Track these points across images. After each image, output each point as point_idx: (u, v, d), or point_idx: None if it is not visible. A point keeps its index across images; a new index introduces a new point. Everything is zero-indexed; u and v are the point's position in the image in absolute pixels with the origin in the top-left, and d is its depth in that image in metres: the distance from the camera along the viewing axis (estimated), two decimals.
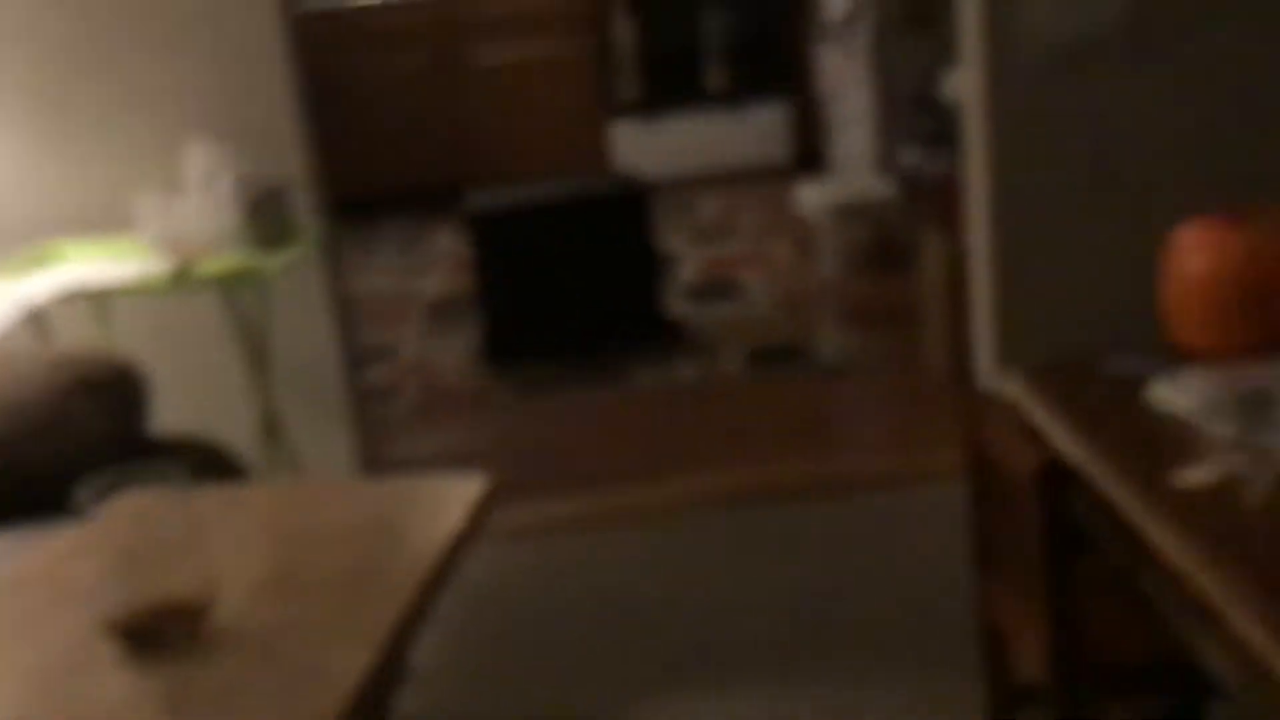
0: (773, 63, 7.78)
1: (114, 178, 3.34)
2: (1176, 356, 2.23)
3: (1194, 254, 2.26)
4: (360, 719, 1.53)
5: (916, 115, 5.67)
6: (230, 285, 3.08)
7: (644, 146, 7.61)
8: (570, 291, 5.12)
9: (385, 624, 1.43)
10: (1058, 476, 2.11)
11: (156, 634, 1.48)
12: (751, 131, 7.75)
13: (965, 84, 3.33)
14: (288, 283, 3.39)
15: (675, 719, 2.76)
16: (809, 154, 7.50)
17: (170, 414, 3.02)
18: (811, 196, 6.00)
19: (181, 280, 2.97)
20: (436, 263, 6.68)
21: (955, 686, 2.68)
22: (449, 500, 1.68)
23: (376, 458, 3.82)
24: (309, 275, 3.53)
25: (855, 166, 6.52)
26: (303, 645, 1.43)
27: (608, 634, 3.13)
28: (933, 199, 4.60)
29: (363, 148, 7.48)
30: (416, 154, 7.60)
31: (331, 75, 7.36)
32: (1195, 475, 1.88)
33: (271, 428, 3.30)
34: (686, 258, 6.28)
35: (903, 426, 4.19)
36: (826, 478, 3.80)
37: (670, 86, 7.76)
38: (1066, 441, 2.12)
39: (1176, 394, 2.11)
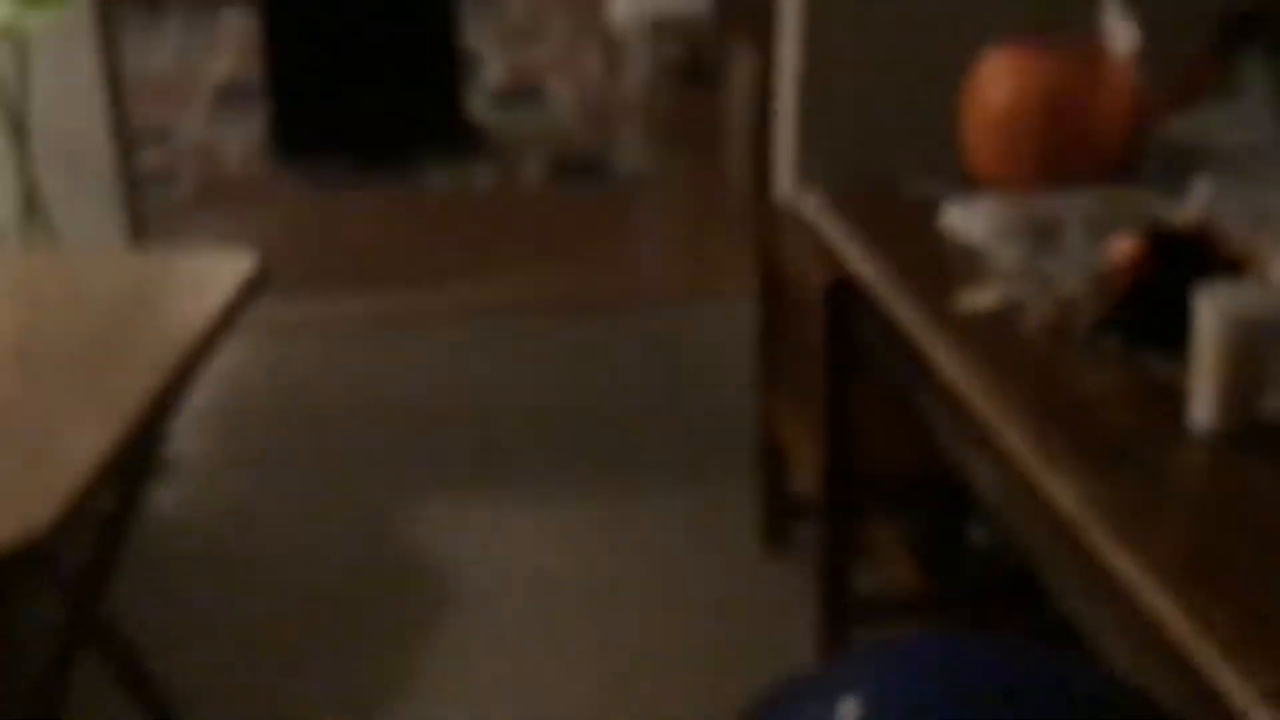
0: None
1: None
2: (972, 183, 2.24)
3: (994, 83, 2.25)
4: (101, 498, 1.44)
5: None
6: None
7: None
8: (368, 84, 4.89)
9: (134, 400, 1.32)
10: (847, 294, 2.11)
11: None
12: None
13: None
14: (52, 48, 3.12)
15: (450, 522, 2.74)
16: None
17: None
18: (624, 7, 5.83)
19: None
20: (225, 44, 6.29)
21: (733, 498, 2.73)
22: (215, 277, 1.57)
23: (147, 245, 3.61)
24: (77, 42, 3.25)
25: None
26: (42, 421, 1.32)
27: (386, 435, 3.07)
28: (745, 16, 4.52)
29: None
30: None
31: None
32: (979, 298, 1.90)
33: (30, 204, 3.07)
34: (492, 59, 6.07)
35: (701, 243, 4.17)
36: (621, 290, 3.77)
37: None
38: (858, 261, 2.12)
39: (968, 219, 2.12)
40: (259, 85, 5.04)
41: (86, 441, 1.29)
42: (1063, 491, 1.51)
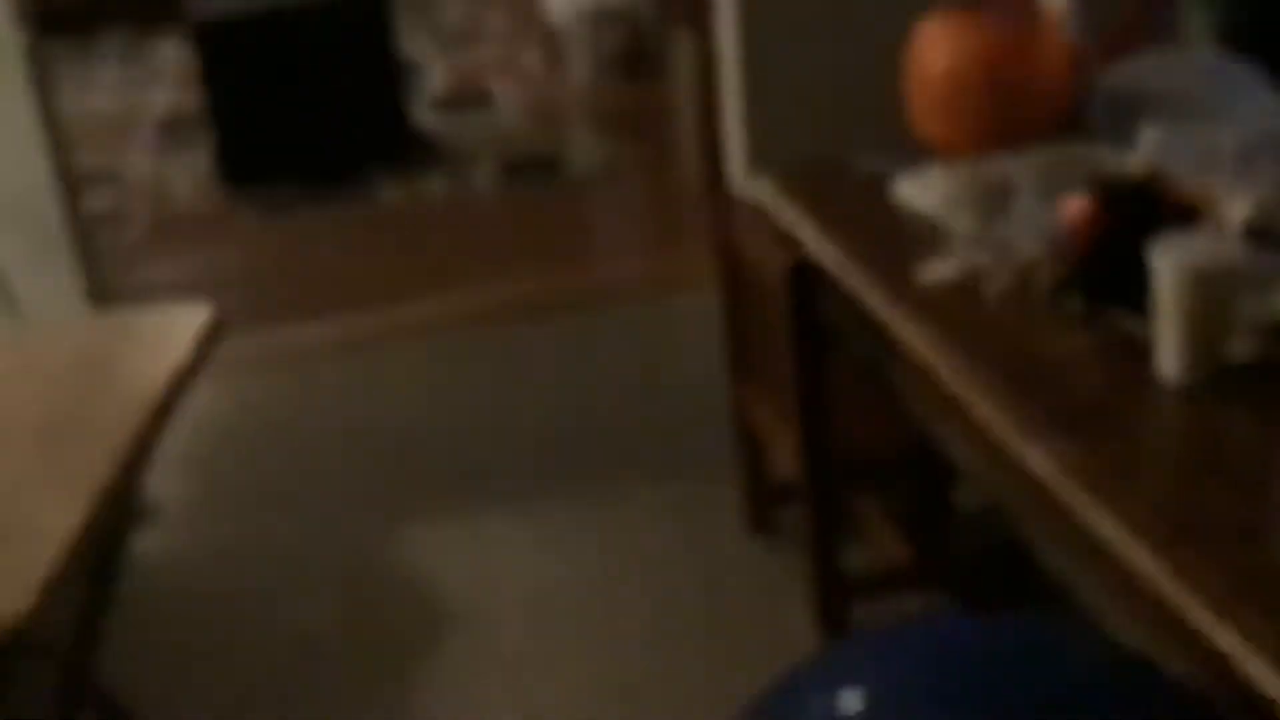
0: None
1: None
2: (921, 153, 2.24)
3: (931, 51, 2.25)
4: (90, 565, 1.43)
5: None
6: None
7: None
8: (310, 104, 4.84)
9: (102, 470, 1.31)
10: (808, 276, 2.11)
11: None
12: None
13: None
14: None
15: (436, 545, 2.73)
16: None
17: None
18: (560, 2, 5.81)
19: None
20: (162, 77, 6.23)
21: (714, 489, 2.72)
22: (171, 333, 1.55)
23: (106, 290, 3.57)
24: (13, 95, 3.22)
25: None
26: (12, 500, 1.31)
27: (362, 460, 3.06)
28: (683, 3, 4.50)
29: None
30: None
31: None
32: (938, 270, 1.90)
33: None
34: (432, 66, 6.03)
35: (657, 235, 4.17)
36: (584, 289, 3.76)
37: None
38: (816, 241, 2.12)
39: (920, 191, 2.12)
40: (201, 116, 5.00)
41: (59, 515, 1.28)
42: (1039, 458, 1.51)
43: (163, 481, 2.93)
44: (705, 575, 2.55)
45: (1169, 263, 1.56)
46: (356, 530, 2.80)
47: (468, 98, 5.62)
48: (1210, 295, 1.55)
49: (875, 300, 1.93)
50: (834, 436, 2.21)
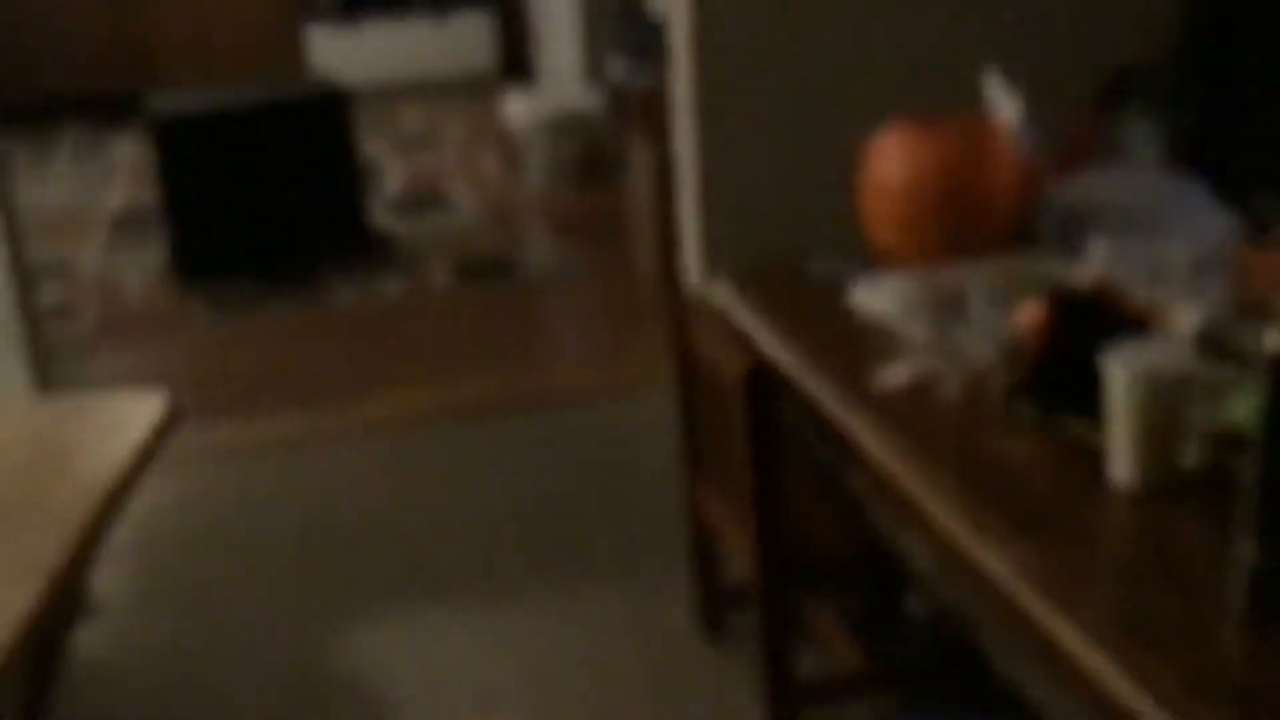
0: None
1: None
2: (875, 260, 2.28)
3: (886, 162, 2.30)
4: (31, 659, 1.40)
5: (622, 28, 5.63)
6: None
7: (343, 52, 7.31)
8: (267, 203, 4.87)
9: (53, 557, 1.29)
10: (765, 379, 2.13)
11: None
12: (456, 40, 7.56)
13: None
14: None
15: (383, 644, 2.68)
16: (515, 63, 7.39)
17: None
18: (519, 108, 5.90)
19: None
20: (117, 173, 6.24)
21: (668, 590, 2.71)
22: (125, 421, 1.53)
23: (55, 384, 3.54)
24: None
25: (563, 78, 6.45)
26: None
27: (310, 559, 3.01)
28: (640, 111, 4.58)
29: (32, 50, 6.91)
30: (93, 56, 7.07)
31: None
32: (894, 375, 1.93)
33: None
34: (391, 169, 6.08)
35: (614, 337, 4.19)
36: (538, 391, 3.77)
37: None
38: (772, 345, 2.14)
39: (875, 297, 2.15)
40: (156, 212, 5.00)
41: (8, 603, 1.25)
42: (994, 561, 1.52)
43: (105, 576, 2.88)
44: (656, 676, 2.52)
45: (1121, 370, 1.59)
46: (302, 629, 2.75)
47: (425, 199, 5.66)
48: (1162, 402, 1.58)
49: (831, 404, 1.94)
50: (788, 539, 2.21)
